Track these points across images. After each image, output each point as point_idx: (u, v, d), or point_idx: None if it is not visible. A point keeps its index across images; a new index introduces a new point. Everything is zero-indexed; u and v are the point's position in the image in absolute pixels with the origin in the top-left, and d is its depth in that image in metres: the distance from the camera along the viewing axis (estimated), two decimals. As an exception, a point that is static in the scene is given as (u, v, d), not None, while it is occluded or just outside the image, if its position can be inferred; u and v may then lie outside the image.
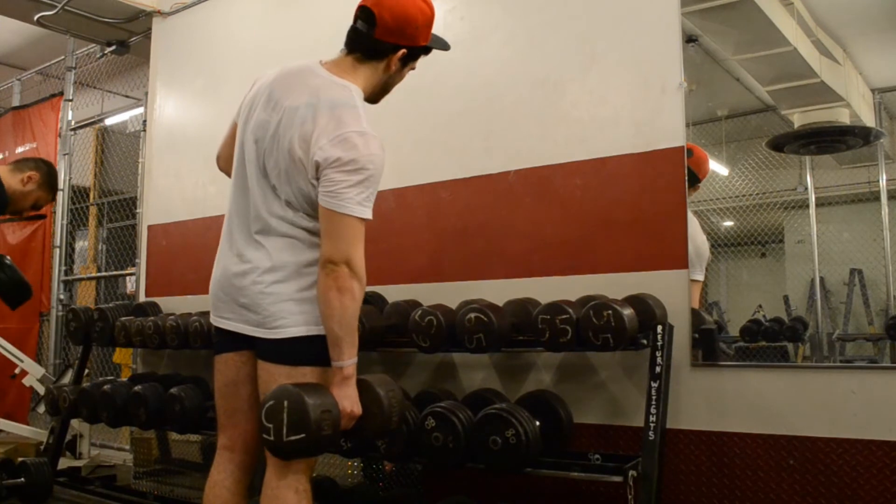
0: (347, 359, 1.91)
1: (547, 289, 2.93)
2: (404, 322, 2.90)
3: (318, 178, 1.90)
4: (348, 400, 1.92)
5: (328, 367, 1.97)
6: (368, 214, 1.91)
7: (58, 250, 5.65)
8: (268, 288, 1.98)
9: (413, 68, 2.18)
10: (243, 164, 2.08)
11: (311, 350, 1.98)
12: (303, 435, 1.83)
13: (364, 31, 2.02)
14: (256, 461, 2.14)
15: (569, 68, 3.04)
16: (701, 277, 2.98)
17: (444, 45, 2.19)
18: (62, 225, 5.67)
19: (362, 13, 2.03)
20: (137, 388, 3.55)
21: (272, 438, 1.86)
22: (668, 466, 2.60)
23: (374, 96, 2.13)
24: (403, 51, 2.06)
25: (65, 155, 5.76)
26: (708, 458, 2.63)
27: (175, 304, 4.17)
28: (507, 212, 3.12)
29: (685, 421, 2.66)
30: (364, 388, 1.98)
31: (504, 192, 3.14)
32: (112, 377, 4.42)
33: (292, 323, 1.97)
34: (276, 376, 1.97)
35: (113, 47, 5.19)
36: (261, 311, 1.98)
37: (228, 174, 2.20)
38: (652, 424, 2.45)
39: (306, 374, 1.97)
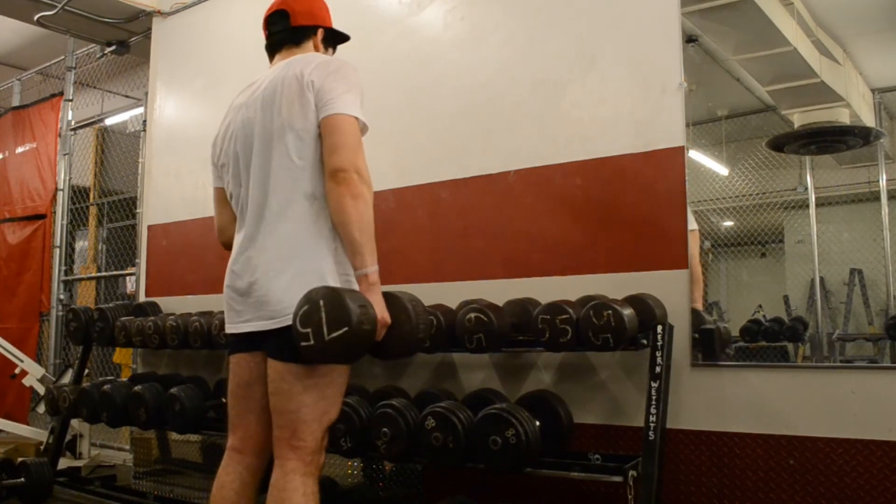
0: (371, 265, 1.93)
1: (547, 289, 2.93)
2: (404, 322, 2.89)
3: (316, 104, 2.00)
4: (378, 306, 1.93)
5: (339, 364, 1.97)
6: (364, 119, 2.03)
7: (58, 250, 5.65)
8: (279, 274, 1.99)
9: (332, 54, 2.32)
10: (241, 170, 2.12)
11: None
12: (345, 329, 1.80)
13: (283, 27, 2.24)
14: (265, 464, 2.12)
15: (569, 68, 3.04)
16: (694, 226, 2.96)
17: (343, 32, 2.36)
18: (62, 225, 5.67)
19: (275, 16, 2.25)
20: (137, 388, 3.55)
21: (312, 342, 1.82)
22: (668, 466, 2.60)
23: None
24: (321, 30, 2.27)
25: (65, 155, 5.76)
26: (708, 458, 2.63)
27: (175, 304, 4.17)
28: (507, 212, 3.12)
29: (685, 421, 2.66)
30: (390, 300, 1.98)
31: (504, 192, 3.14)
32: (112, 377, 4.42)
33: None
34: (284, 374, 1.96)
35: (113, 47, 5.19)
36: (272, 299, 1.98)
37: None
38: (652, 424, 2.45)
39: (314, 373, 1.96)
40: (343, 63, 2.08)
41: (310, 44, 2.25)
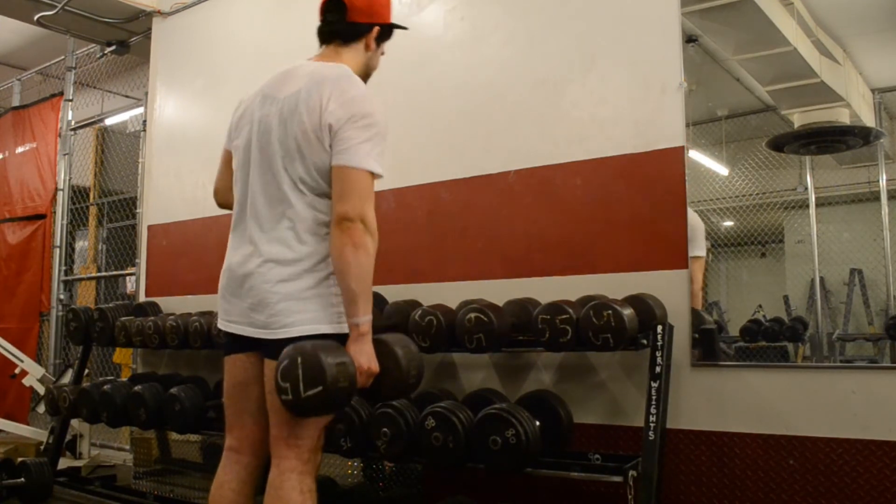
0: (363, 315, 1.93)
1: (547, 289, 2.93)
2: (404, 322, 2.90)
3: (331, 145, 1.96)
4: (365, 356, 1.94)
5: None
6: (381, 170, 1.97)
7: (58, 250, 5.65)
8: (275, 287, 1.98)
9: (383, 53, 2.27)
10: (248, 165, 2.09)
11: None
12: (320, 388, 1.83)
13: (336, 20, 2.15)
14: (263, 463, 2.13)
15: (569, 68, 3.04)
16: (702, 253, 2.94)
17: (402, 25, 2.31)
18: (62, 225, 5.67)
19: (330, 5, 2.16)
20: (137, 388, 3.55)
21: (290, 397, 1.86)
22: (668, 466, 2.60)
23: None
24: (377, 28, 2.18)
25: (65, 155, 5.77)
26: (708, 458, 2.63)
27: (175, 304, 4.17)
28: (507, 212, 3.12)
29: (685, 421, 2.66)
30: (381, 347, 1.99)
31: (504, 192, 3.14)
32: (112, 377, 4.42)
33: (299, 321, 1.97)
34: None
35: (113, 47, 5.20)
36: (267, 311, 1.98)
37: (229, 206, 2.23)
38: (652, 424, 2.45)
39: None
40: (368, 103, 1.99)
41: (360, 44, 2.16)
